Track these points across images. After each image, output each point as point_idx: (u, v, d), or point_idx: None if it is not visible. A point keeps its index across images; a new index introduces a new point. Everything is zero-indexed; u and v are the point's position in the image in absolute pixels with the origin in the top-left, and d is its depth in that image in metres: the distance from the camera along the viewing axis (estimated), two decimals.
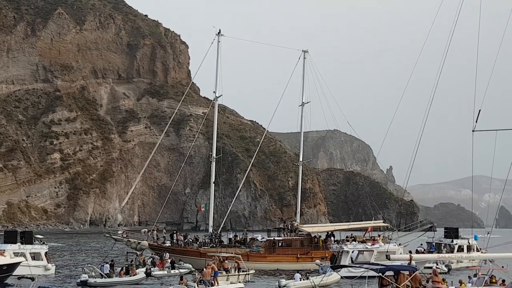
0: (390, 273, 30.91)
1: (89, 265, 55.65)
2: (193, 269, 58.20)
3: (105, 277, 50.10)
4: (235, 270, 49.28)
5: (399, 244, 60.85)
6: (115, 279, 50.39)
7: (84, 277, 49.35)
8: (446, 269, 62.06)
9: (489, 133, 34.99)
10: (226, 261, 49.52)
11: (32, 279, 33.86)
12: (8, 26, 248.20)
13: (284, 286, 48.05)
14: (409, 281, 30.41)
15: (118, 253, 75.34)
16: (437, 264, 54.03)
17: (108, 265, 52.35)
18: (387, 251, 49.50)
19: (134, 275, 51.58)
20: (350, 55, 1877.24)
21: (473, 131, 33.99)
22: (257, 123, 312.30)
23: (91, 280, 48.69)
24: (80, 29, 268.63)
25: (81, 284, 48.08)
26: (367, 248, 61.94)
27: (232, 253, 54.42)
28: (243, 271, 49.98)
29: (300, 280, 47.87)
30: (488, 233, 62.10)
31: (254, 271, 54.08)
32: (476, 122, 33.79)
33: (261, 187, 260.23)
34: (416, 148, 35.84)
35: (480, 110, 34.00)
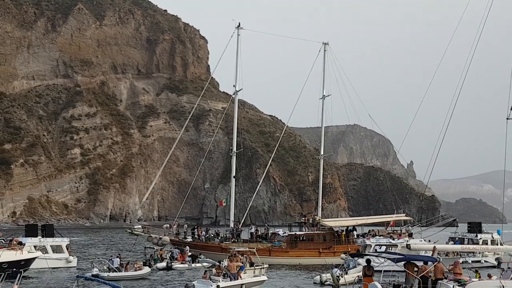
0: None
1: (99, 259, 55.50)
2: (215, 263, 57.50)
3: (114, 271, 49.84)
4: (249, 265, 48.51)
5: (429, 241, 59.33)
6: (124, 273, 50.20)
7: (95, 271, 49.08)
8: (495, 262, 61.45)
9: None
10: (239, 256, 48.74)
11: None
12: (29, 22, 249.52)
13: (326, 281, 46.61)
14: (432, 271, 29.70)
15: (136, 248, 74.68)
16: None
17: (118, 259, 52.12)
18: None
19: (139, 269, 51.39)
20: (372, 47, 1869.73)
21: (507, 119, 33.12)
22: (277, 118, 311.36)
23: (104, 274, 48.41)
24: (100, 25, 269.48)
25: None
26: (391, 242, 61.02)
27: (248, 248, 53.46)
28: (256, 266, 49.17)
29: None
30: None
31: (267, 265, 53.02)
32: (511, 110, 32.89)
33: (280, 182, 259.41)
34: (440, 144, 35.07)
35: None
